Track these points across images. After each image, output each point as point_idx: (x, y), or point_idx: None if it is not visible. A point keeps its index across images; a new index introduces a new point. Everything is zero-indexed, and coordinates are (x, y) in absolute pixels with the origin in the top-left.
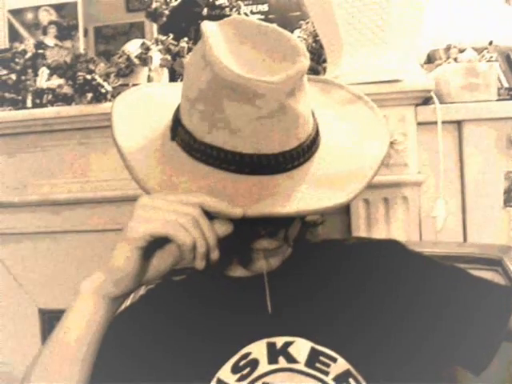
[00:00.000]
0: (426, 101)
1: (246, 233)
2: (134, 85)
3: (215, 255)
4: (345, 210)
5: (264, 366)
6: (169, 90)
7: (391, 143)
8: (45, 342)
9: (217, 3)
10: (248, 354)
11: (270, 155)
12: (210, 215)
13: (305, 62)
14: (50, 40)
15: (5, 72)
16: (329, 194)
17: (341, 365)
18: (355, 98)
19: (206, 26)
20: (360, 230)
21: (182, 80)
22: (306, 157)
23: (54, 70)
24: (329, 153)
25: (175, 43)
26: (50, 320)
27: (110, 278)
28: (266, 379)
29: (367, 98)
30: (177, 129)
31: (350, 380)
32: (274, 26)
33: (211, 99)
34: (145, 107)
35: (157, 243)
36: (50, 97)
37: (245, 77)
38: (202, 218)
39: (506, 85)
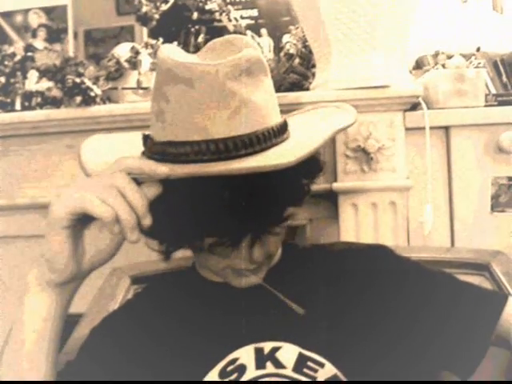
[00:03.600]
0: (414, 106)
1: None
2: (123, 88)
3: (147, 221)
4: (333, 215)
5: (251, 372)
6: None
7: (379, 149)
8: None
9: (207, 8)
10: (235, 360)
11: (218, 140)
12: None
13: (251, 51)
14: (39, 43)
15: None
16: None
17: (328, 370)
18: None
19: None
20: (348, 235)
21: None
22: (264, 146)
23: (43, 73)
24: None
25: None
26: None
27: (47, 265)
28: None
29: (347, 106)
30: (146, 142)
31: None
32: (244, 37)
33: (157, 92)
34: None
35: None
36: (38, 100)
37: (184, 62)
38: (127, 184)
39: (493, 91)
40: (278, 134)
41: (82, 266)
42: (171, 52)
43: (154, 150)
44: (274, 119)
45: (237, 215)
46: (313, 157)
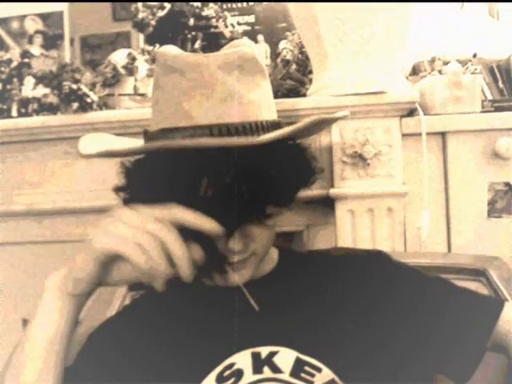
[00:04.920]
0: (411, 112)
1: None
2: (120, 94)
3: (187, 279)
4: (330, 221)
5: (249, 377)
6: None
7: (376, 154)
8: (19, 342)
9: (203, 14)
10: (232, 365)
11: (203, 126)
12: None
13: (246, 49)
14: (35, 49)
15: None
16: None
17: (326, 375)
18: None
19: None
20: (345, 241)
21: None
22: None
23: (40, 80)
24: None
25: None
26: None
27: (69, 277)
28: None
29: None
30: (145, 135)
31: None
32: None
33: (155, 85)
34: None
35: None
36: (35, 106)
37: (179, 54)
38: (171, 236)
39: (489, 97)
40: (266, 129)
41: (105, 283)
42: (171, 49)
43: (149, 137)
44: (266, 116)
45: (215, 203)
46: (303, 157)
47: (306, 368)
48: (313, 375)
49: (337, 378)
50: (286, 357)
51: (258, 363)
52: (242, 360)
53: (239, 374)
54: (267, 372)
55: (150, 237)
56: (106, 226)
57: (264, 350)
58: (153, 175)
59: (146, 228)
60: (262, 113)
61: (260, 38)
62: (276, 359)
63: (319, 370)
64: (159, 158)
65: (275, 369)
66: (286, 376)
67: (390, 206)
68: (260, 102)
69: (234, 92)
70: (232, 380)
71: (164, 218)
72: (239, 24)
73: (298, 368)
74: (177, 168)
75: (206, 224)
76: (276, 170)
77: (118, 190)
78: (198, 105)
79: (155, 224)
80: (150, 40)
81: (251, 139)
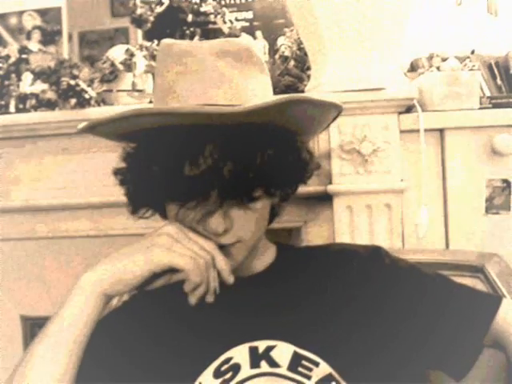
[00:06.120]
0: (409, 109)
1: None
2: (118, 90)
3: (210, 299)
4: (328, 217)
5: (246, 371)
6: None
7: (374, 151)
8: (39, 333)
9: (202, 10)
10: (230, 359)
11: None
12: None
13: (243, 40)
14: (33, 45)
15: None
16: None
17: (323, 369)
18: None
19: None
20: (343, 237)
21: None
22: None
23: (38, 75)
24: None
25: None
26: (32, 327)
27: (112, 277)
28: None
29: None
30: None
31: None
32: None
33: (157, 73)
34: None
35: None
36: (33, 102)
37: (178, 42)
38: (212, 265)
39: (487, 93)
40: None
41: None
42: (172, 40)
43: None
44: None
45: (198, 182)
46: (293, 143)
47: (304, 362)
48: (310, 369)
49: (334, 373)
50: (283, 351)
51: (256, 358)
52: (240, 354)
53: (236, 368)
54: (264, 366)
55: (202, 259)
56: (165, 244)
57: (261, 345)
58: (143, 157)
59: (199, 251)
60: (253, 100)
61: (258, 34)
62: (273, 353)
63: (317, 364)
64: (148, 141)
65: (272, 363)
66: (283, 370)
67: (387, 202)
68: (254, 91)
69: (225, 76)
70: (229, 374)
71: (205, 247)
72: (237, 20)
73: (295, 362)
74: (162, 147)
75: (226, 273)
76: (263, 153)
77: (116, 172)
78: (189, 88)
79: (202, 250)
80: (148, 36)
81: (232, 108)
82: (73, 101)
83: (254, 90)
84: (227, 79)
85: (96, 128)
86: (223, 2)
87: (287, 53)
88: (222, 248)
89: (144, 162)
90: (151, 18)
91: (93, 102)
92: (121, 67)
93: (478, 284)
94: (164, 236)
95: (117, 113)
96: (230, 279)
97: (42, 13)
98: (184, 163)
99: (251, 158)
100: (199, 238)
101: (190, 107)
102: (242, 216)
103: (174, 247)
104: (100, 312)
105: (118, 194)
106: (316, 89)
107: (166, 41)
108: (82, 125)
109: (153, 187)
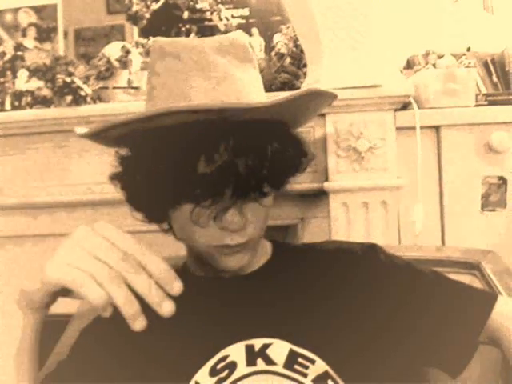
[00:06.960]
0: (405, 106)
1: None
2: (114, 87)
3: (137, 326)
4: (324, 214)
5: (242, 369)
6: None
7: (370, 148)
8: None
9: (197, 7)
10: (226, 357)
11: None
12: None
13: (239, 36)
14: (29, 42)
15: None
16: None
17: (319, 366)
18: None
19: None
20: (339, 234)
21: None
22: None
23: (33, 73)
24: None
25: None
26: None
27: (25, 293)
28: (244, 382)
29: None
30: None
31: (329, 381)
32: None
33: (150, 72)
34: None
35: None
36: (28, 99)
37: (173, 39)
38: (133, 267)
39: (484, 91)
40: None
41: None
42: (165, 38)
43: None
44: (258, 100)
45: (213, 180)
46: (297, 138)
47: (300, 360)
48: (306, 367)
49: (330, 370)
50: (279, 349)
51: (252, 355)
52: (236, 352)
53: (233, 366)
54: (261, 364)
55: (104, 266)
56: (59, 256)
57: (257, 343)
58: (150, 156)
59: (104, 256)
60: (254, 97)
61: (254, 31)
62: (269, 351)
63: (313, 361)
64: (156, 139)
65: (269, 361)
66: (279, 368)
67: (384, 199)
68: (251, 86)
69: (229, 74)
70: (225, 373)
71: (121, 244)
72: (233, 17)
73: (291, 360)
74: (173, 146)
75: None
76: (272, 148)
77: (113, 177)
78: (193, 87)
79: (112, 251)
80: (144, 33)
81: (262, 102)
82: (68, 98)
83: (251, 86)
84: (229, 76)
85: (109, 131)
86: None
87: (283, 50)
88: (230, 248)
89: (151, 163)
90: (147, 15)
91: (88, 99)
92: (117, 64)
93: (473, 281)
94: (62, 248)
95: (137, 114)
96: (137, 326)
97: (38, 10)
98: (198, 161)
99: (264, 153)
100: (119, 234)
101: (219, 103)
102: (255, 212)
103: (68, 262)
104: (35, 324)
105: (113, 191)
106: (312, 86)
107: (159, 39)
108: (91, 128)
109: (163, 189)
